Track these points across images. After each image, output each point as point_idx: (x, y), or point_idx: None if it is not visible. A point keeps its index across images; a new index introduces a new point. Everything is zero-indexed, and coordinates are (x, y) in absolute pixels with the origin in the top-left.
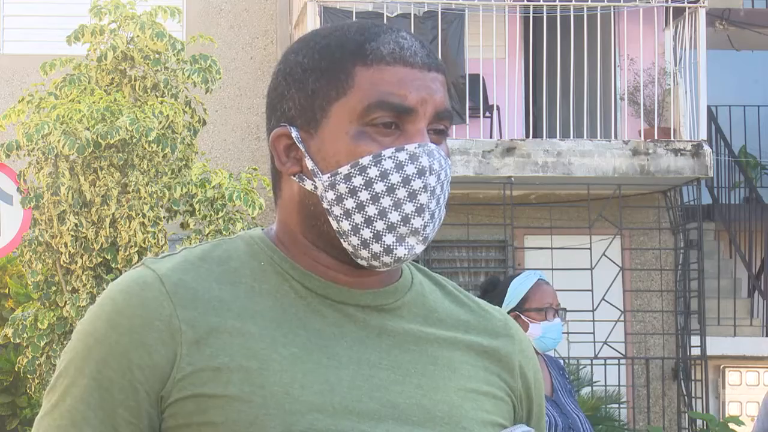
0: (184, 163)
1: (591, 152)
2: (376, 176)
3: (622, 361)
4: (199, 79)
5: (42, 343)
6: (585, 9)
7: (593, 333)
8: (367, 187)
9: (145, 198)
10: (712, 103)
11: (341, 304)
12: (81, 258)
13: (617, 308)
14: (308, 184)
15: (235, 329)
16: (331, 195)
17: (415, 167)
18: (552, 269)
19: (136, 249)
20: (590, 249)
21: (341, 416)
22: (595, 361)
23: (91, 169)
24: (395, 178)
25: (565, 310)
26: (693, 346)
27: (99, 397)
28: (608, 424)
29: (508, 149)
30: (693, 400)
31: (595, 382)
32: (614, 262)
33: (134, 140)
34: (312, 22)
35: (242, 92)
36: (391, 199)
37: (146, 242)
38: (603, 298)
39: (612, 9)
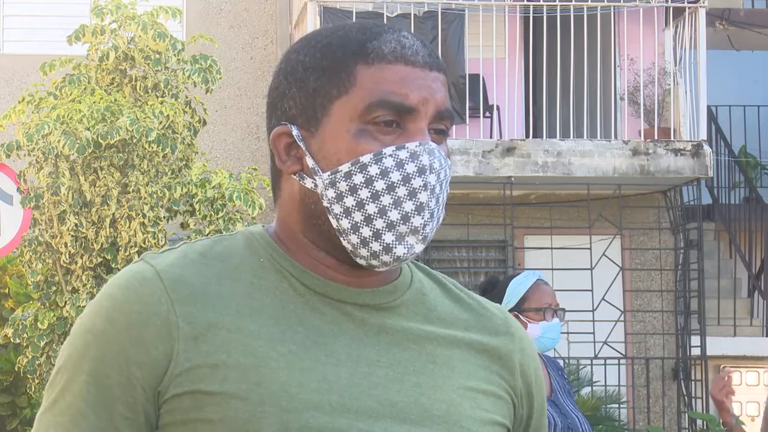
0: (184, 163)
1: (591, 152)
2: (376, 174)
3: (622, 361)
4: (199, 79)
5: (42, 343)
6: (585, 9)
7: (593, 333)
8: (368, 185)
9: (145, 198)
10: (712, 103)
11: (340, 303)
12: (81, 258)
13: (617, 308)
14: (308, 183)
15: (233, 326)
16: (331, 193)
17: (416, 165)
18: (552, 269)
19: (136, 249)
20: (590, 249)
21: (338, 414)
22: (595, 361)
23: (91, 169)
24: (395, 176)
25: (563, 310)
26: (693, 346)
27: (97, 394)
28: (608, 424)
29: (508, 149)
30: (693, 400)
31: (595, 382)
32: (614, 262)
33: (134, 140)
34: (312, 22)
35: (242, 92)
36: (391, 197)
37: (146, 242)
38: (603, 298)
39: (612, 9)
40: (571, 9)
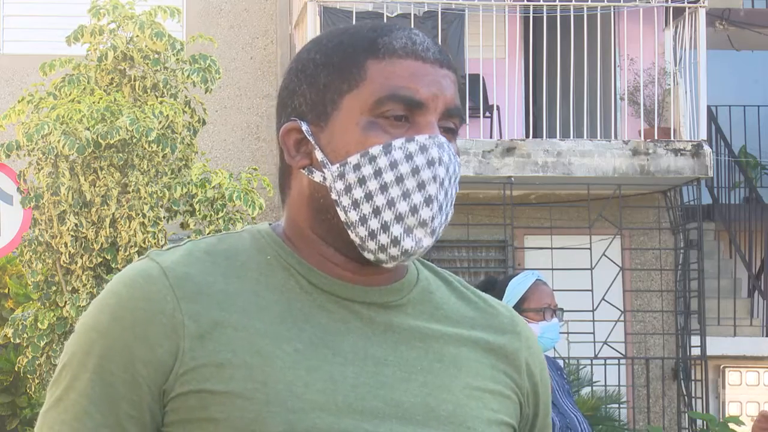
0: (184, 163)
1: (591, 152)
2: (385, 166)
3: (622, 361)
4: (198, 79)
5: (42, 343)
6: (585, 9)
7: (593, 333)
8: (376, 176)
9: (145, 198)
10: (712, 103)
11: (347, 301)
12: (81, 258)
13: (617, 308)
14: (317, 176)
15: (239, 324)
16: (339, 185)
17: (425, 158)
18: (552, 269)
19: (136, 249)
20: (590, 249)
21: (344, 415)
22: (595, 361)
23: (91, 169)
24: (404, 168)
25: (562, 310)
26: (693, 346)
27: (101, 392)
28: (608, 424)
29: (508, 149)
30: (693, 400)
31: (595, 382)
32: (614, 262)
33: (134, 140)
34: (312, 22)
35: (242, 92)
36: (400, 189)
37: (146, 242)
38: (603, 298)
39: (612, 9)
40: (571, 9)
